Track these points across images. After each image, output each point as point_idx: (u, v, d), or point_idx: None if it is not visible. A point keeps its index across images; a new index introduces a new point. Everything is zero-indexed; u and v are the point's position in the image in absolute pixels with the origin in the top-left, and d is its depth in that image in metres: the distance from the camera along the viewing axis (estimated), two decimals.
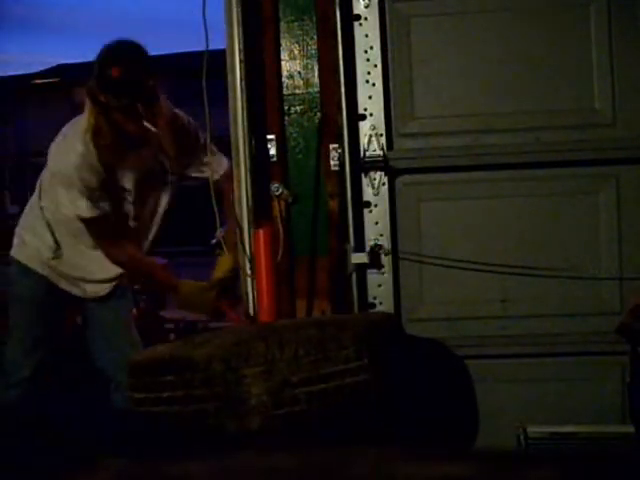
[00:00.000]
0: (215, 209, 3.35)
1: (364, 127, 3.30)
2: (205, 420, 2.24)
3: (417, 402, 2.63)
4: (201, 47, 3.30)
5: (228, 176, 3.41)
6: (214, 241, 3.39)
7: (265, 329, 2.56)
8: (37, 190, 3.28)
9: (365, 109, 3.30)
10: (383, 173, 3.29)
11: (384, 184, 3.30)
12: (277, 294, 2.79)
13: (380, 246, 3.29)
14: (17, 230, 3.33)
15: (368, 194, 3.31)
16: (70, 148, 3.11)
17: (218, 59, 3.40)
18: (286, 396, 2.23)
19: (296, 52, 3.43)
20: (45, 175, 3.24)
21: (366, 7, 3.29)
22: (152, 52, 3.21)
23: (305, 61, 3.43)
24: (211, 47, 3.35)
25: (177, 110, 3.39)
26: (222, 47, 3.39)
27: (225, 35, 3.35)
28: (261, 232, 2.63)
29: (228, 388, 2.24)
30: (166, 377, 2.29)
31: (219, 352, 2.28)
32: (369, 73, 3.30)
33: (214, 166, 3.40)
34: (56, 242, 3.21)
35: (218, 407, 2.24)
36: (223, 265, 3.35)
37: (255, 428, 2.21)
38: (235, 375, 2.23)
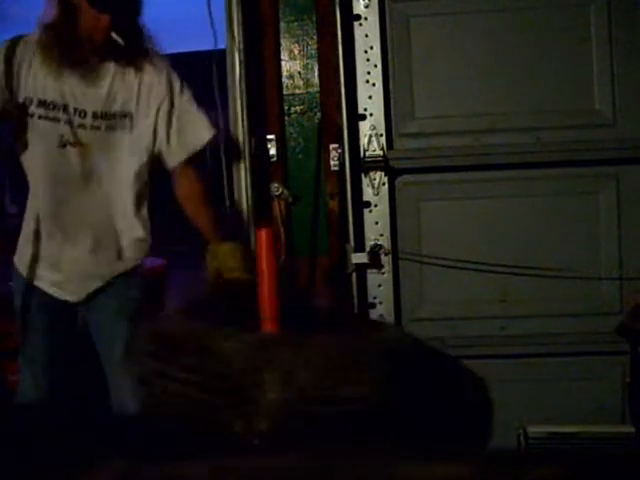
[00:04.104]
0: (227, 201, 3.31)
1: (364, 127, 3.30)
2: (213, 412, 2.23)
3: (419, 405, 2.63)
4: (196, 47, 3.29)
5: (189, 170, 2.92)
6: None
7: (294, 338, 2.50)
8: None
9: (365, 109, 3.30)
10: (383, 173, 3.30)
11: (384, 184, 3.30)
12: (280, 295, 2.76)
13: (380, 246, 3.29)
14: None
15: (368, 194, 3.31)
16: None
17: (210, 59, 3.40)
18: (300, 409, 2.22)
19: (296, 52, 3.44)
20: None
21: (366, 7, 3.29)
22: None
23: (305, 61, 3.44)
24: (209, 47, 3.36)
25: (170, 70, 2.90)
26: (222, 47, 3.40)
27: (225, 35, 3.36)
28: (263, 232, 2.61)
29: (243, 387, 2.23)
30: (188, 358, 2.27)
31: (243, 349, 2.26)
32: (369, 73, 3.29)
33: (176, 145, 2.88)
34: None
35: (229, 403, 2.23)
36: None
37: (262, 432, 2.21)
38: (253, 376, 2.22)
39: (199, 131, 2.91)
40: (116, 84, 2.81)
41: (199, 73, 3.35)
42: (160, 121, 2.86)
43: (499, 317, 3.32)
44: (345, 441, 2.24)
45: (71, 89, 2.79)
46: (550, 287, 3.28)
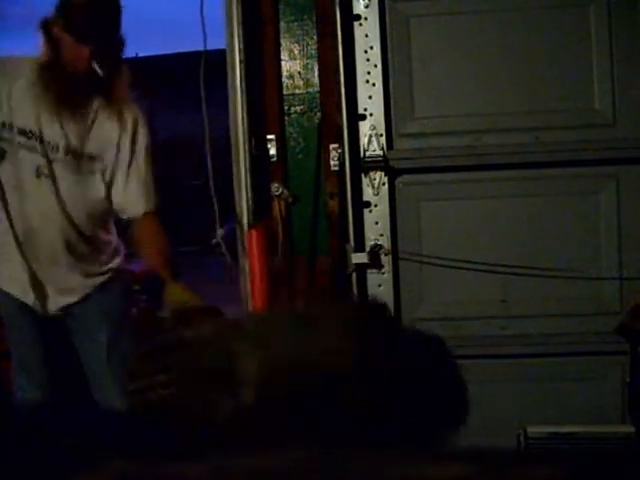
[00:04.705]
0: (216, 207, 3.33)
1: (364, 127, 3.30)
2: (199, 399, 2.22)
3: (416, 403, 2.63)
4: (189, 48, 3.30)
5: (146, 223, 2.94)
6: (215, 241, 3.37)
7: (256, 315, 2.49)
8: None
9: (365, 109, 3.30)
10: (383, 173, 3.30)
11: (384, 184, 3.30)
12: (271, 295, 2.77)
13: (380, 246, 3.29)
14: None
15: (368, 194, 3.31)
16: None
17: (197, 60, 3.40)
18: (279, 370, 2.21)
19: (296, 52, 3.43)
20: None
21: (366, 7, 3.28)
22: (145, 52, 3.06)
23: (305, 61, 3.43)
24: (209, 47, 3.36)
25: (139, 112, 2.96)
26: (222, 47, 3.40)
27: (225, 35, 3.36)
28: (254, 233, 2.61)
29: (219, 365, 2.22)
30: (161, 361, 2.27)
31: (210, 331, 2.26)
32: (369, 73, 3.29)
33: (126, 200, 2.93)
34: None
35: (211, 385, 2.22)
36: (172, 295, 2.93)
37: (250, 404, 2.19)
38: (225, 352, 2.22)
39: (152, 195, 2.94)
40: (94, 127, 2.87)
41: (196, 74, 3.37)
42: (117, 174, 2.90)
43: (499, 317, 3.31)
44: (330, 398, 2.22)
45: (48, 122, 2.83)
46: (550, 287, 3.28)
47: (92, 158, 2.88)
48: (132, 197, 2.93)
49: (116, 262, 3.06)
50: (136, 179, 2.92)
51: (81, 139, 2.86)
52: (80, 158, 2.87)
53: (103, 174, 2.90)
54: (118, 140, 2.88)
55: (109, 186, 2.92)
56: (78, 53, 2.73)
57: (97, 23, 2.75)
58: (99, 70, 2.75)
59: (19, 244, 2.94)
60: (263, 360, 2.21)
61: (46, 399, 2.95)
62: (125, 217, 2.97)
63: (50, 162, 2.86)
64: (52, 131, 2.84)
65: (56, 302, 2.97)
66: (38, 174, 2.86)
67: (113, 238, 3.04)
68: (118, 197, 2.93)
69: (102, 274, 3.01)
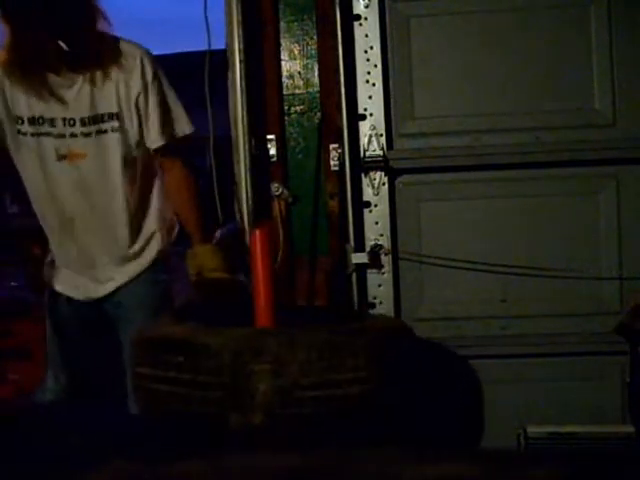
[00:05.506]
0: (218, 205, 3.31)
1: (364, 127, 3.30)
2: (207, 408, 2.24)
3: (417, 402, 2.63)
4: (194, 47, 3.30)
5: (168, 152, 2.92)
6: (214, 241, 3.37)
7: (280, 328, 2.52)
8: None
9: (365, 109, 3.30)
10: (383, 173, 3.29)
11: (384, 184, 3.30)
12: (275, 295, 2.75)
13: (380, 246, 3.29)
14: None
15: (368, 194, 3.31)
16: None
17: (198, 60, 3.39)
18: (292, 397, 2.23)
19: (296, 52, 3.44)
20: None
21: (366, 7, 3.29)
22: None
23: (305, 61, 3.44)
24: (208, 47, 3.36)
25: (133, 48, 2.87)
26: (222, 47, 3.40)
27: (225, 35, 3.36)
28: (257, 232, 2.60)
29: (235, 380, 2.23)
30: (175, 357, 2.28)
31: (232, 343, 2.26)
32: (369, 73, 3.29)
33: (147, 132, 2.89)
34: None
35: (223, 397, 2.24)
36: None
37: (257, 424, 2.21)
38: (244, 369, 2.23)
39: (177, 122, 2.92)
40: (95, 87, 2.81)
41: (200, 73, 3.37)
42: (141, 112, 2.86)
43: (499, 317, 3.31)
44: (337, 429, 2.23)
45: (55, 101, 2.80)
46: (550, 287, 3.28)
47: (111, 115, 2.83)
48: (149, 128, 2.87)
49: (166, 243, 2.99)
50: (150, 109, 2.86)
51: (91, 101, 2.80)
52: (101, 120, 2.82)
53: (132, 125, 2.84)
54: (121, 83, 2.82)
55: (142, 135, 2.87)
56: (37, 38, 2.69)
57: (39, 8, 2.66)
58: (65, 46, 2.70)
59: (53, 236, 2.92)
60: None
61: (65, 399, 2.94)
62: (152, 150, 2.89)
63: (70, 139, 2.81)
64: (58, 108, 2.80)
65: (96, 290, 2.94)
66: (59, 157, 2.82)
67: (161, 213, 2.97)
68: (139, 135, 2.87)
69: (146, 256, 2.94)
